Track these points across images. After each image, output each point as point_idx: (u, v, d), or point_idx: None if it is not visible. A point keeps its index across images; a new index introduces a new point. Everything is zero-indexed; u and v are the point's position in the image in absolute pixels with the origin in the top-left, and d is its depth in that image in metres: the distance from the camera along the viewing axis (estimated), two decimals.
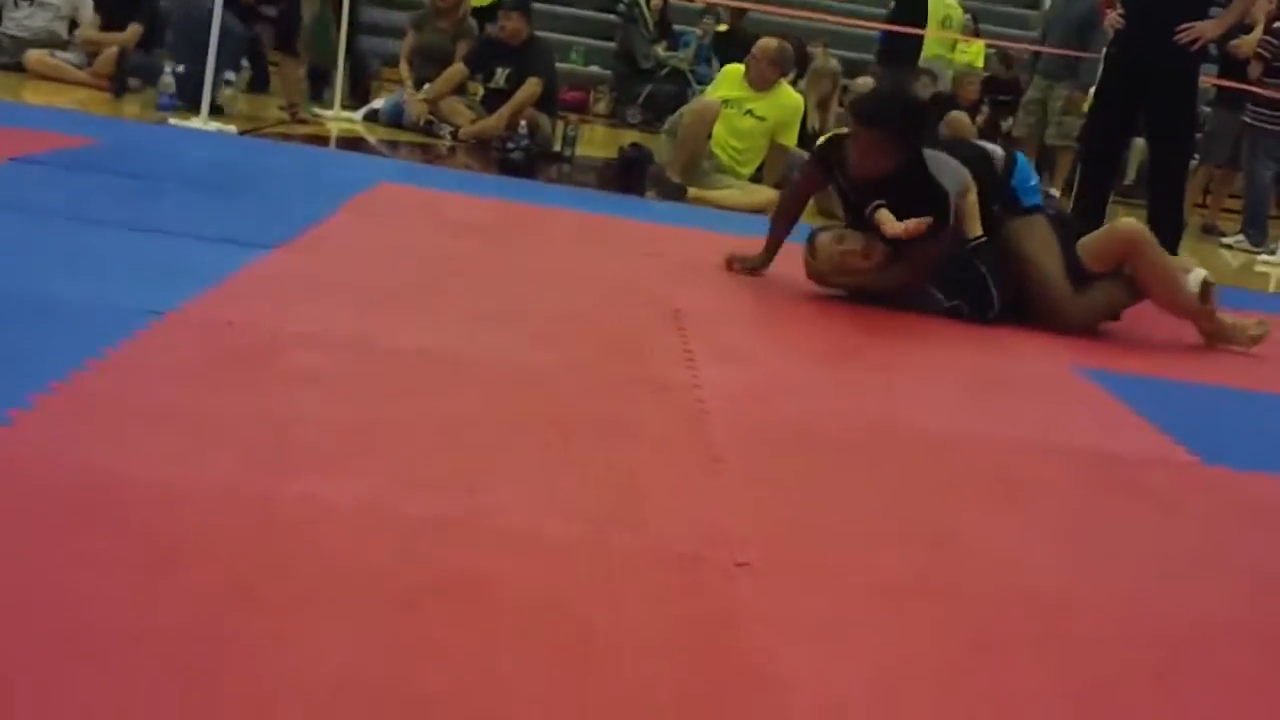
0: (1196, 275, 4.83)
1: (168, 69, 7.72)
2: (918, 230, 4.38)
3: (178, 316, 3.14)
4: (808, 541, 2.38)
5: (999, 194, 4.81)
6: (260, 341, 3.07)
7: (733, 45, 11.42)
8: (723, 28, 13.13)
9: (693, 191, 7.30)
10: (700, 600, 2.07)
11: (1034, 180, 5.09)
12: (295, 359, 2.99)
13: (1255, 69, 9.41)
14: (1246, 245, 9.43)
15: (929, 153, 4.65)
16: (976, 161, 4.80)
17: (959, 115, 8.73)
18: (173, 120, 7.23)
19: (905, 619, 2.11)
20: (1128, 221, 4.99)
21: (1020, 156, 5.10)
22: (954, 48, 11.98)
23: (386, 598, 1.91)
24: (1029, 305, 4.75)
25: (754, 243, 5.06)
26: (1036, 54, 10.93)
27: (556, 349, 3.44)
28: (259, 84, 9.48)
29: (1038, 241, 4.78)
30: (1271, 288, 7.87)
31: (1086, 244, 4.78)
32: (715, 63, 11.79)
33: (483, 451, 2.60)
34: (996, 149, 5.10)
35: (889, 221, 4.43)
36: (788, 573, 2.21)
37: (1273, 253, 9.02)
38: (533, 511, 2.31)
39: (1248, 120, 9.58)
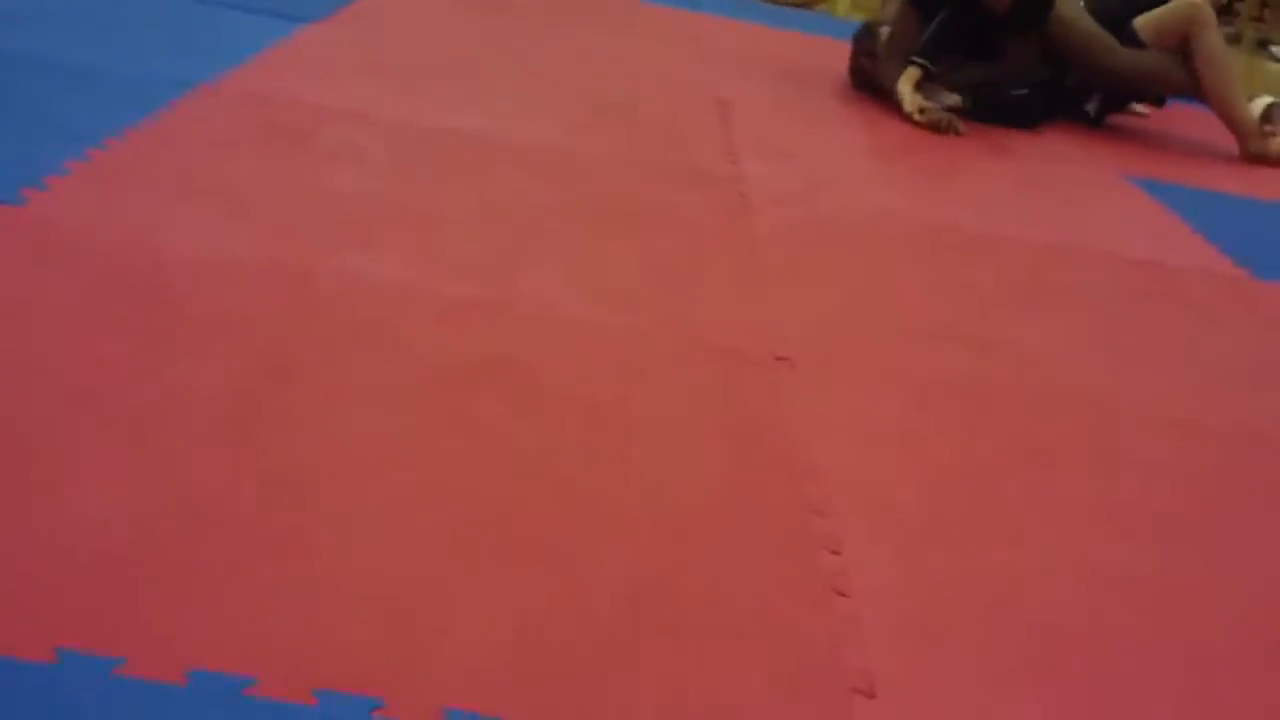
0: (1261, 101, 4.72)
1: None
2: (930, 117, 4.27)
3: (215, 88, 3.09)
4: (847, 338, 2.36)
5: None
6: (298, 116, 3.02)
7: None
8: None
9: None
10: (738, 392, 2.05)
11: None
12: (332, 135, 2.94)
13: None
14: None
15: None
16: None
17: None
18: None
19: (942, 419, 2.10)
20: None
21: None
22: None
23: (423, 375, 1.89)
24: (1076, 68, 4.66)
25: (801, 38, 4.94)
26: None
27: (597, 136, 3.38)
28: None
29: (1070, 4, 4.68)
30: None
31: (1146, 21, 4.67)
32: None
33: (521, 235, 2.57)
34: None
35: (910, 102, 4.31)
36: (826, 368, 2.19)
37: None
38: (571, 297, 2.28)
39: None
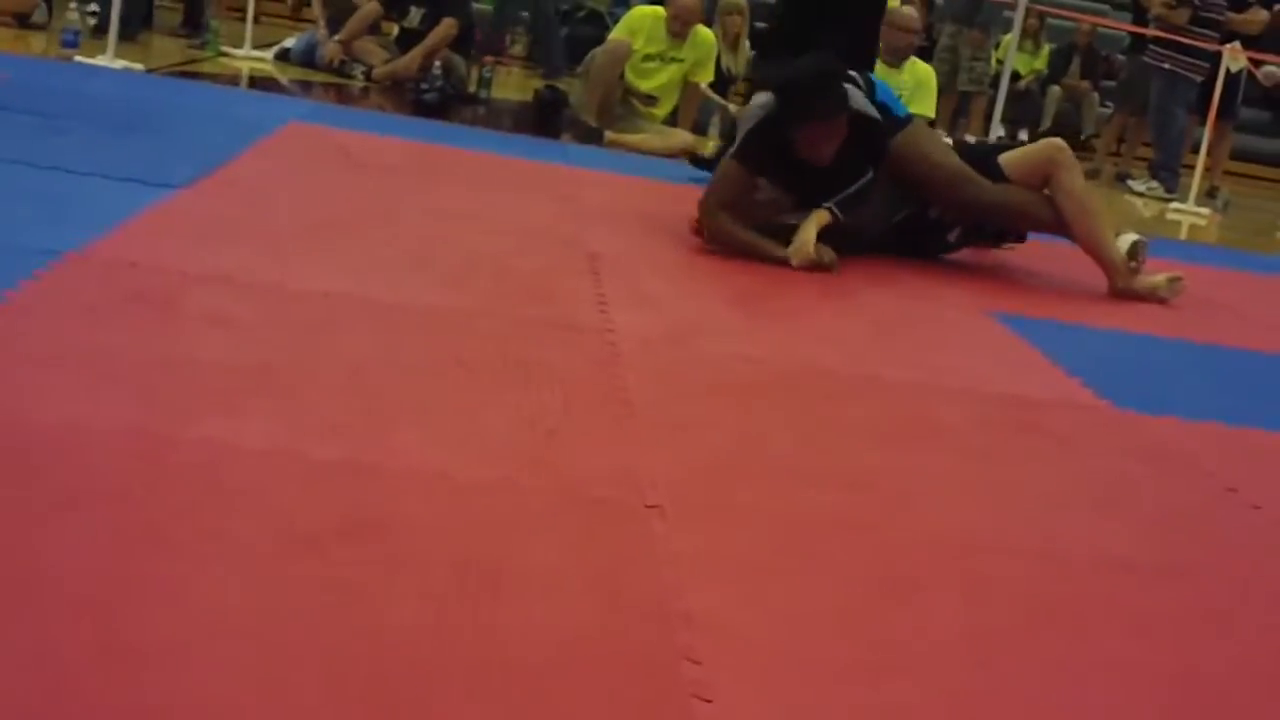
0: (1128, 238, 4.85)
1: (73, 5, 7.55)
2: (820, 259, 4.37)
3: (80, 256, 3.08)
4: (718, 483, 2.38)
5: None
6: (164, 283, 3.02)
7: None
8: None
9: (609, 135, 7.25)
10: (610, 543, 2.06)
11: (894, 93, 5.05)
12: (199, 301, 2.94)
13: (1182, 15, 9.38)
14: (1160, 192, 9.49)
15: None
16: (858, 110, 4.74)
17: None
18: (79, 57, 7.08)
19: (813, 560, 2.12)
20: (1053, 140, 5.01)
21: (873, 77, 5.01)
22: None
23: (291, 539, 1.88)
24: (940, 203, 4.78)
25: (669, 188, 5.03)
26: None
27: (467, 292, 3.41)
28: (145, 21, 9.21)
29: (928, 140, 4.82)
30: (1183, 235, 7.95)
31: (1010, 159, 4.80)
32: None
33: (390, 394, 2.57)
34: (851, 73, 4.95)
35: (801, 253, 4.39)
36: (698, 515, 2.21)
37: (1182, 200, 9.09)
38: (440, 454, 2.29)
39: (1166, 67, 9.55)
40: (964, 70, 10.40)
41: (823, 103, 4.36)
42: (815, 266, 4.30)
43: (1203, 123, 9.32)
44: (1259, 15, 10.18)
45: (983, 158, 4.82)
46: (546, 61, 9.92)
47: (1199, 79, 9.41)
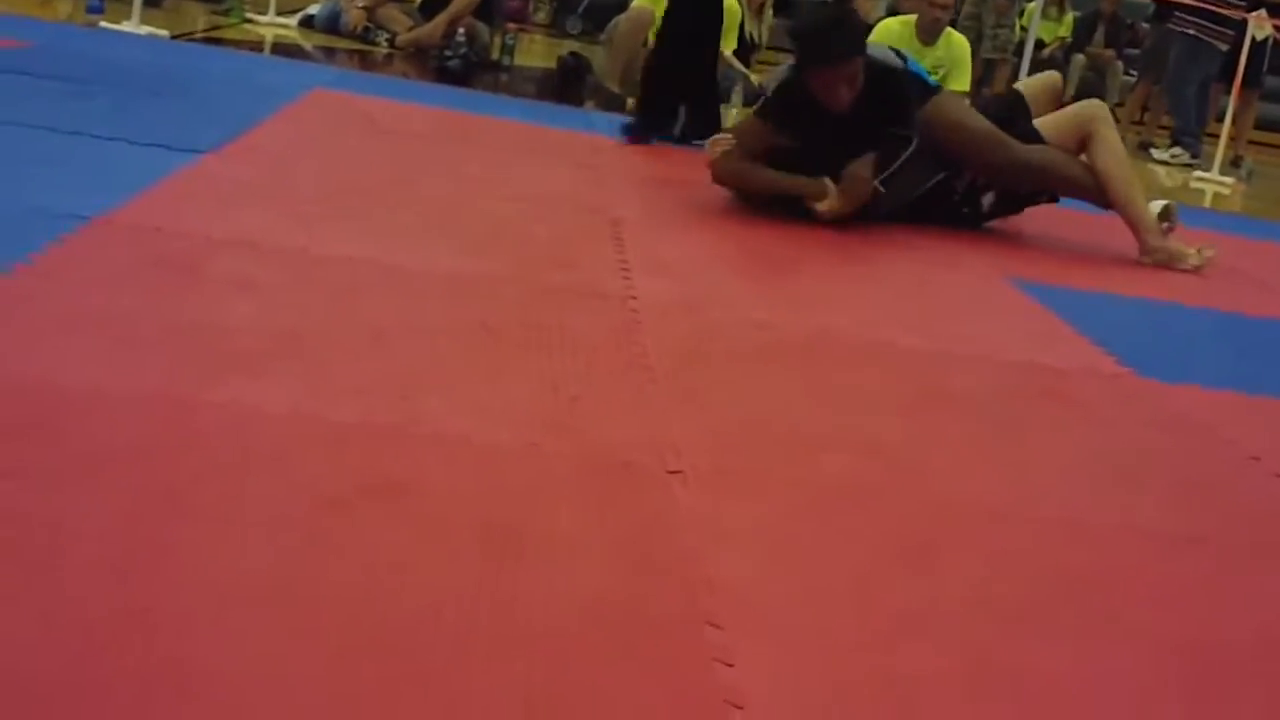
0: (1158, 202, 4.85)
1: None
2: (862, 192, 4.40)
3: (106, 221, 3.09)
4: (738, 449, 2.39)
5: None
6: (188, 247, 3.03)
7: None
8: None
9: (631, 102, 7.24)
10: (631, 507, 2.07)
11: (921, 66, 5.07)
12: (223, 265, 2.95)
13: None
14: (1186, 159, 9.44)
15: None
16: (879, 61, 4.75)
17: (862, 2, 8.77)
18: (104, 23, 7.10)
19: (833, 526, 2.13)
20: (1092, 100, 5.00)
21: (901, 50, 5.03)
22: None
23: (313, 501, 1.90)
24: (974, 167, 4.78)
25: (691, 155, 5.02)
26: None
27: (491, 258, 3.41)
28: None
29: (958, 107, 4.82)
30: (1207, 204, 7.92)
31: (1046, 121, 4.80)
32: None
33: (413, 358, 2.58)
34: (880, 45, 4.99)
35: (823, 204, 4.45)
36: (718, 480, 2.21)
37: (1206, 169, 9.04)
38: (462, 418, 2.30)
39: (1190, 33, 9.49)
40: (988, 38, 10.34)
41: (833, 46, 4.39)
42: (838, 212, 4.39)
43: (1228, 91, 9.27)
44: None
45: (1015, 118, 4.80)
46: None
47: (1223, 47, 9.35)
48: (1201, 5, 9.24)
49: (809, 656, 1.71)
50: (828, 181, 4.42)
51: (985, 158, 4.73)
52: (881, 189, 4.44)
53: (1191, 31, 9.42)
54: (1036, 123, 4.82)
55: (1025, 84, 5.24)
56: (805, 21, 4.64)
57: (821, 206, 4.41)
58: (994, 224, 4.98)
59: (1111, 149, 4.72)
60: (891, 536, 2.12)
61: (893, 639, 1.79)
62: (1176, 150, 9.55)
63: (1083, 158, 4.77)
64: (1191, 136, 9.55)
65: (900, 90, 4.52)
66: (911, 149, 4.48)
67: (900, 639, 1.80)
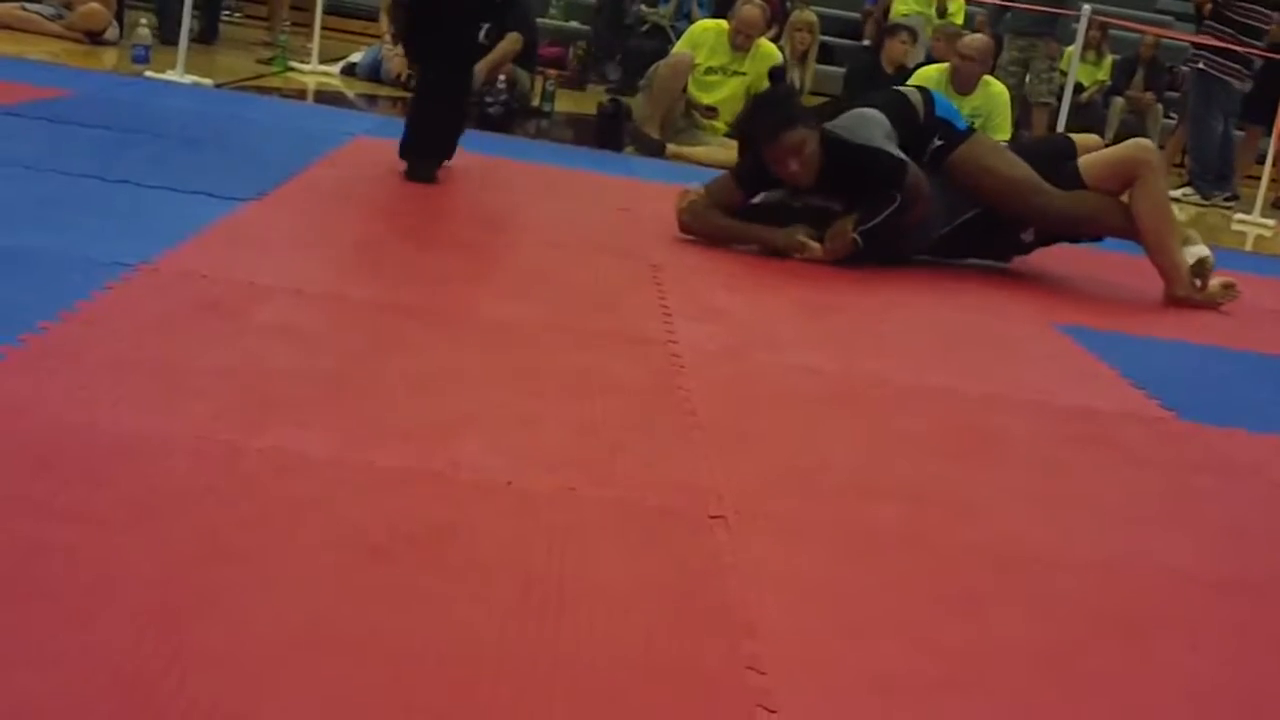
0: (1196, 249, 4.81)
1: (143, 21, 7.66)
2: (843, 248, 4.46)
3: (151, 269, 3.12)
4: (781, 495, 2.38)
5: (932, 129, 4.76)
6: (233, 294, 3.06)
7: None
8: None
9: (671, 148, 7.28)
10: (673, 553, 2.07)
11: (955, 108, 5.08)
12: (268, 311, 2.97)
13: (1205, 8, 9.30)
14: (1196, 199, 9.37)
15: (850, 115, 4.67)
16: (894, 106, 4.77)
17: (892, 43, 8.83)
18: (149, 72, 7.18)
19: (878, 572, 2.12)
20: (1144, 141, 4.97)
21: (934, 91, 5.06)
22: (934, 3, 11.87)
23: (357, 548, 1.90)
24: (1006, 214, 4.76)
25: None
26: (1004, 7, 10.69)
27: (532, 303, 3.43)
28: (209, 34, 9.31)
29: (990, 152, 4.80)
30: (1249, 247, 7.86)
31: (1092, 161, 4.76)
32: (701, 14, 11.66)
33: (455, 404, 2.59)
34: (909, 89, 5.04)
35: (812, 247, 4.52)
36: (761, 526, 2.21)
37: (1247, 211, 8.97)
38: (504, 464, 2.30)
39: (1200, 66, 9.43)
40: (1040, 81, 10.24)
41: (763, 123, 4.58)
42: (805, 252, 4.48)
43: (1268, 133, 9.23)
44: None
45: (1055, 161, 4.78)
46: None
47: (1239, 84, 9.30)
48: (1215, 43, 9.19)
49: (852, 702, 1.70)
50: (801, 237, 4.50)
51: (1017, 205, 4.72)
52: (861, 244, 4.48)
53: (1201, 66, 9.36)
54: (1087, 158, 4.77)
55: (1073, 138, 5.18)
56: (750, 103, 4.91)
57: (800, 258, 4.47)
58: (1036, 268, 4.97)
59: (1152, 195, 4.69)
60: (936, 582, 2.11)
61: (937, 686, 1.78)
62: (1187, 189, 9.47)
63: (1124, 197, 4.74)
64: (1209, 178, 9.47)
65: (868, 163, 4.54)
66: (895, 206, 4.48)
67: (944, 686, 1.79)
